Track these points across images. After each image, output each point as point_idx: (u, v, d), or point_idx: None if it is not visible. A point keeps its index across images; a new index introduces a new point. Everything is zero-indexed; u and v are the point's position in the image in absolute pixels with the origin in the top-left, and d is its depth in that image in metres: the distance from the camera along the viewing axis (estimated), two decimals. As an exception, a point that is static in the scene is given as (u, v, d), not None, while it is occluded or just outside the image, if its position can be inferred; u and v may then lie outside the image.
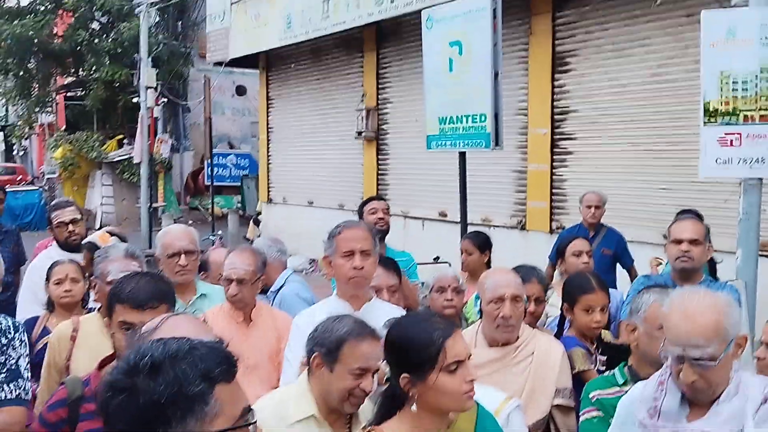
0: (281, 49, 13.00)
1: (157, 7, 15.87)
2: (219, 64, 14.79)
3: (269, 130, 14.73)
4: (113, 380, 1.23)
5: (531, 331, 2.93)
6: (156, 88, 14.78)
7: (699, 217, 4.29)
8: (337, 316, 2.38)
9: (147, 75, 14.27)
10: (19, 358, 2.54)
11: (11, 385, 2.48)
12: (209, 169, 16.51)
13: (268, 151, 14.83)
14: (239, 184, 19.57)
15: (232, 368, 1.27)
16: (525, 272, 3.20)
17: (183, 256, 3.50)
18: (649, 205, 7.55)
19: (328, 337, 2.28)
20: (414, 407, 1.94)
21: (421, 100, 6.83)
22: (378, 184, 11.53)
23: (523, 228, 9.09)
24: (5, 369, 2.49)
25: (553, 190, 8.77)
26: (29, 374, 2.61)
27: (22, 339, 2.61)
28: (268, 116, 14.73)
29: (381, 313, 2.86)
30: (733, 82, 4.41)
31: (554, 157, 8.73)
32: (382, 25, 11.01)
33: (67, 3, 19.30)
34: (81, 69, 21.24)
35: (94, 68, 19.75)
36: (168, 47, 19.33)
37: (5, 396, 2.46)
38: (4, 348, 2.52)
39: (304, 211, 13.21)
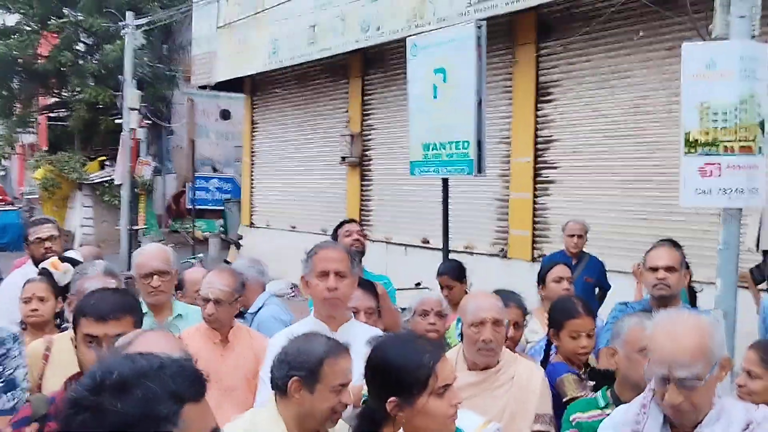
0: (267, 73, 13.05)
1: (142, 29, 15.90)
2: (204, 87, 14.80)
3: (253, 154, 14.72)
4: (77, 397, 1.18)
5: (511, 356, 2.91)
6: (139, 110, 14.71)
7: (676, 245, 4.32)
8: (304, 335, 2.34)
9: (130, 96, 14.23)
10: (16, 368, 2.51)
11: (8, 395, 2.45)
12: (191, 192, 16.44)
13: (251, 175, 14.80)
14: (222, 208, 19.48)
15: (202, 387, 1.24)
16: (504, 297, 3.18)
17: (156, 276, 3.44)
18: (629, 234, 7.59)
19: (306, 359, 2.24)
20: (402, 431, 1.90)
21: (406, 126, 6.87)
22: (361, 210, 11.52)
23: (504, 256, 9.10)
24: (2, 379, 2.46)
25: (536, 219, 8.81)
26: (27, 384, 2.57)
27: (21, 350, 2.58)
28: (252, 140, 14.73)
29: (359, 334, 2.83)
30: (713, 113, 4.45)
31: (536, 185, 8.78)
32: (367, 52, 11.09)
33: (52, 24, 19.27)
34: (64, 90, 21.14)
35: (77, 89, 19.66)
36: (153, 70, 19.30)
37: (2, 405, 2.42)
38: (2, 358, 2.48)
39: (286, 236, 13.16)
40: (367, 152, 11.52)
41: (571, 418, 2.60)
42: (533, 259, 8.65)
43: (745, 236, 5.12)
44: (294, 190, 13.17)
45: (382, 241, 10.95)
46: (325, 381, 2.20)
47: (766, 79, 4.47)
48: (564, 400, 2.88)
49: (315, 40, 11.22)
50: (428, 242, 10.07)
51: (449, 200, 6.60)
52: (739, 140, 4.41)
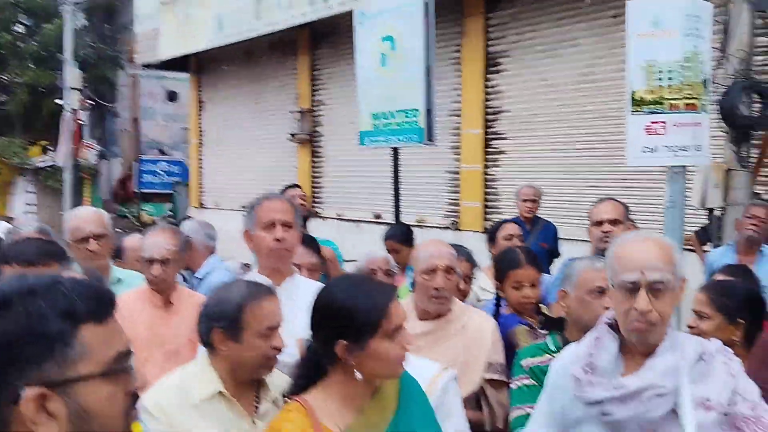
0: (212, 51, 12.76)
1: (82, 7, 15.40)
2: (148, 66, 14.43)
3: (201, 134, 14.44)
4: None
5: (463, 306, 2.87)
6: (81, 90, 14.27)
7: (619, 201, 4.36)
8: (223, 285, 2.26)
9: (71, 75, 13.78)
10: None
11: None
12: (138, 175, 16.07)
13: (199, 156, 14.52)
14: (171, 191, 19.10)
15: (105, 307, 1.13)
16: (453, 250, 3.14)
17: (92, 240, 3.30)
18: (579, 203, 7.64)
19: (225, 309, 2.15)
20: (358, 375, 1.82)
21: (355, 102, 6.77)
22: (312, 187, 11.40)
23: (456, 228, 9.10)
24: None
25: (486, 190, 8.82)
26: None
27: None
28: (199, 120, 14.44)
29: (303, 288, 2.76)
30: (659, 72, 4.47)
31: (487, 157, 8.78)
32: (315, 27, 10.92)
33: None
34: (3, 73, 20.43)
35: (17, 72, 19.02)
36: (95, 51, 18.77)
37: None
38: None
39: (236, 216, 12.91)
40: (317, 128, 11.38)
41: (523, 364, 2.58)
42: (485, 230, 8.65)
43: (690, 196, 5.18)
44: (243, 169, 12.96)
45: (334, 218, 10.87)
46: (249, 327, 2.12)
47: (710, 38, 4.52)
48: (516, 349, 2.85)
49: (261, 15, 11.01)
50: (380, 217, 10.02)
51: (400, 173, 6.54)
52: (684, 98, 4.44)
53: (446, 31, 8.85)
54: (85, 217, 3.40)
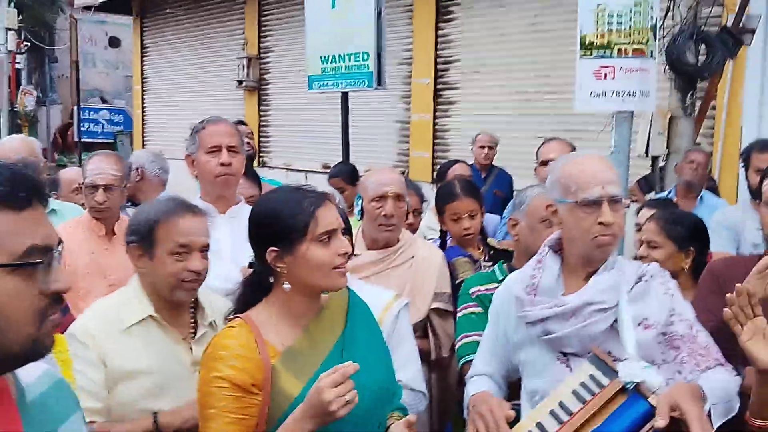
0: (157, -7, 12.35)
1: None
2: (89, 9, 13.87)
3: (144, 80, 14.01)
4: None
5: (411, 237, 2.87)
6: (17, 30, 13.64)
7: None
8: (152, 201, 2.20)
9: (6, 14, 13.16)
10: None
11: None
12: (79, 124, 15.54)
13: (142, 103, 14.12)
14: (113, 140, 18.58)
15: (24, 196, 1.05)
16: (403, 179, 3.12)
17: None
18: (529, 153, 7.67)
19: (140, 224, 2.10)
20: (286, 285, 1.78)
21: (304, 47, 6.63)
22: (260, 136, 11.20)
23: (406, 178, 9.07)
24: None
25: (436, 140, 8.81)
26: None
27: None
28: (142, 66, 13.99)
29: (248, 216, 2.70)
30: (609, 16, 4.48)
31: (437, 107, 8.75)
32: (264, -30, 10.65)
33: None
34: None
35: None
36: (32, -9, 17.94)
37: None
38: None
39: (180, 165, 12.61)
40: (265, 76, 11.15)
41: (470, 291, 2.59)
42: (433, 181, 8.66)
43: (635, 143, 5.25)
44: (189, 117, 12.56)
45: (282, 168, 10.73)
46: (161, 245, 2.07)
47: (659, -17, 4.54)
48: (456, 282, 2.86)
49: (208, -44, 10.64)
50: (329, 167, 9.91)
51: (349, 123, 6.44)
52: (633, 43, 4.46)
53: (398, -22, 8.72)
54: (14, 147, 3.26)
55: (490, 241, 3.20)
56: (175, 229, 2.07)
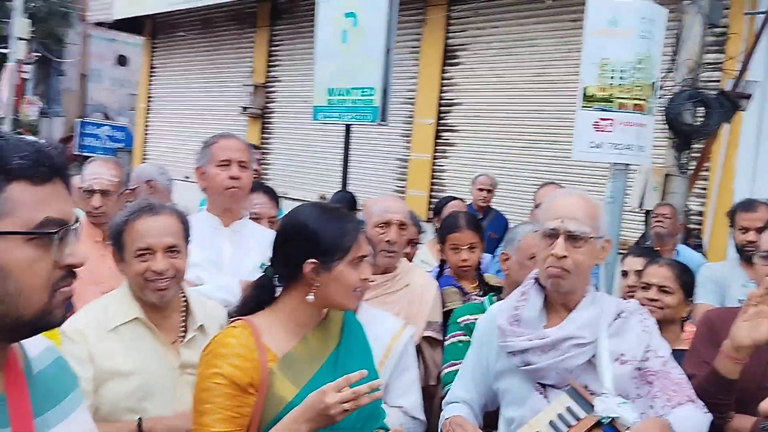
0: (169, 15, 12.53)
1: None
2: (101, 25, 14.05)
3: (149, 99, 14.14)
4: None
5: (408, 265, 2.92)
6: (29, 41, 13.79)
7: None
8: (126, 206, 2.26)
9: (19, 24, 13.32)
10: None
11: None
12: (80, 137, 15.62)
13: (145, 122, 14.22)
14: (113, 156, 18.64)
15: (46, 171, 1.08)
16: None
17: None
18: (524, 198, 7.79)
19: (114, 227, 2.17)
20: (310, 297, 1.84)
21: (311, 80, 6.75)
22: (260, 163, 11.29)
23: None
24: None
25: (433, 180, 8.91)
26: None
27: None
28: (149, 85, 14.13)
29: (252, 232, 2.76)
30: (612, 70, 4.60)
31: (437, 147, 8.87)
32: (276, 1, 10.83)
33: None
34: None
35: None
36: (47, 4, 18.18)
37: None
38: None
39: (179, 186, 12.69)
40: (269, 104, 11.29)
41: (459, 320, 2.64)
42: (428, 220, 8.74)
43: (629, 197, 5.35)
44: (190, 139, 12.72)
45: (279, 196, 10.78)
46: (127, 246, 2.12)
47: (662, 42, 4.67)
48: (444, 310, 2.90)
49: (223, -16, 10.85)
50: (325, 198, 10.00)
51: (349, 158, 6.53)
52: (634, 98, 4.58)
53: (408, 20, 8.89)
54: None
55: (487, 277, 3.25)
56: (135, 231, 2.11)
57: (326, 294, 1.84)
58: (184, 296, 2.22)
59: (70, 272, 1.13)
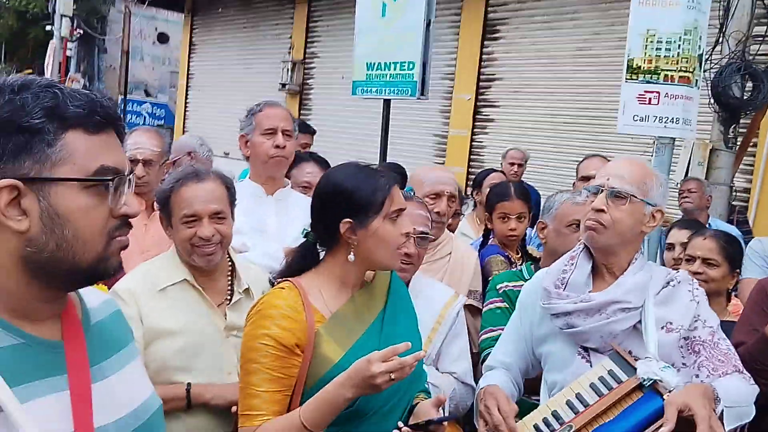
0: (209, -8, 12.60)
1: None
2: (142, 2, 14.18)
3: (189, 76, 14.27)
4: None
5: (449, 234, 2.93)
6: (72, 17, 13.97)
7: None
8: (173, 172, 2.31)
9: (63, 2, 13.50)
10: None
11: None
12: (122, 113, 15.83)
13: (186, 99, 14.36)
14: (153, 133, 18.85)
15: (101, 121, 1.10)
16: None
17: None
18: (565, 176, 7.71)
19: (160, 194, 2.22)
20: (351, 256, 1.85)
21: (349, 56, 6.73)
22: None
23: None
24: None
25: (471, 156, 8.85)
26: None
27: None
28: (189, 62, 14.26)
29: (295, 200, 2.78)
30: (658, 41, 4.51)
31: (475, 123, 8.80)
32: (316, -23, 10.83)
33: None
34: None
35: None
36: (88, -18, 18.38)
37: None
38: None
39: (219, 162, 12.80)
40: (308, 81, 11.31)
41: (497, 287, 2.65)
42: (466, 196, 8.71)
43: (674, 173, 5.26)
44: (230, 116, 12.83)
45: (317, 172, 10.84)
46: (174, 212, 2.17)
47: (708, 13, 4.55)
48: (489, 277, 2.91)
49: (262, -41, 10.86)
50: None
51: (388, 134, 6.51)
52: (680, 70, 4.49)
53: (448, -7, 8.82)
54: None
55: (530, 249, 3.24)
56: (181, 197, 2.16)
57: (366, 252, 1.84)
58: (230, 261, 2.26)
59: (125, 222, 1.15)
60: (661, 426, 1.71)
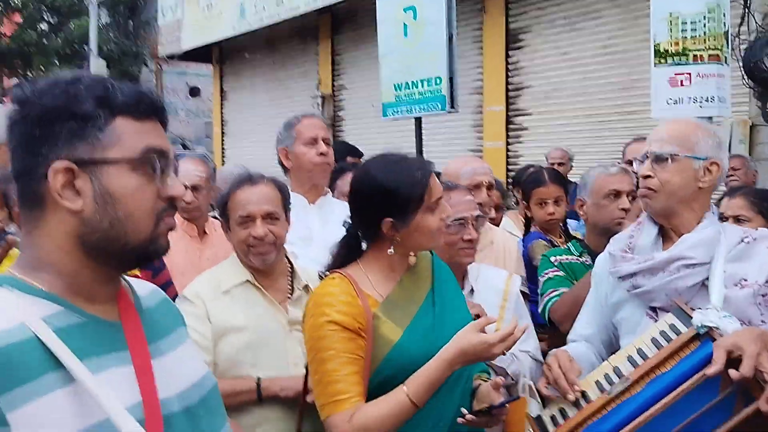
0: (235, 39, 12.89)
1: (106, 3, 15.60)
2: (171, 58, 14.59)
3: (223, 124, 14.59)
4: (14, 94, 1.17)
5: (488, 224, 2.95)
6: (106, 81, 14.42)
7: None
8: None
9: (95, 67, 13.99)
10: None
11: None
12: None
13: (222, 146, 14.66)
14: (194, 184, 19.24)
15: (146, 109, 1.18)
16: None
17: None
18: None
19: (219, 200, 2.33)
20: (391, 250, 1.89)
21: (376, 83, 6.83)
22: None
23: None
24: None
25: (509, 167, 8.83)
26: None
27: None
28: (222, 110, 14.59)
29: (336, 207, 2.83)
30: (682, 23, 4.49)
31: (509, 133, 8.80)
32: (336, 11, 11.01)
33: (15, 2, 18.90)
34: (30, 70, 20.76)
35: (42, 69, 19.32)
36: (119, 47, 19.01)
37: None
38: None
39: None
40: (339, 113, 11.46)
41: (552, 260, 2.68)
42: (508, 208, 8.68)
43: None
44: (266, 158, 13.04)
45: (357, 201, 10.93)
46: (232, 215, 2.26)
47: (732, -11, 4.53)
48: (534, 263, 2.92)
49: (283, 1, 11.11)
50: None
51: (422, 154, 6.55)
52: (708, 49, 4.46)
53: (468, 9, 8.90)
54: None
55: (574, 232, 3.25)
56: (237, 200, 2.26)
57: (408, 244, 1.89)
58: (290, 263, 2.34)
59: (171, 205, 1.21)
60: (704, 375, 1.69)
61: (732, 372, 1.60)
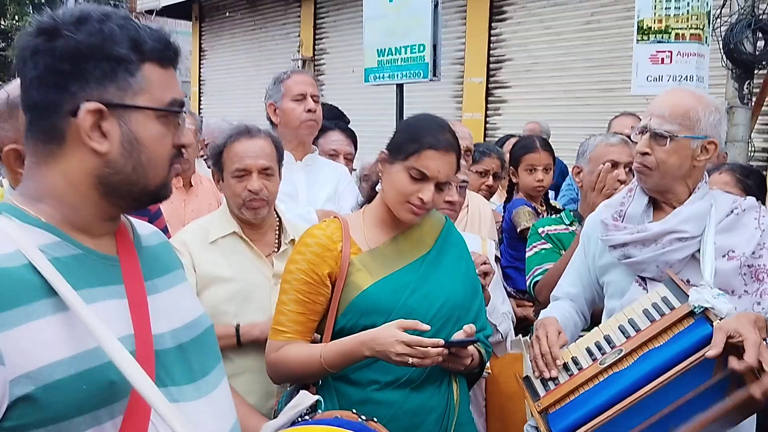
0: (215, -3, 12.71)
1: (85, -48, 15.22)
2: (150, 13, 14.31)
3: (201, 83, 14.40)
4: (39, 21, 1.13)
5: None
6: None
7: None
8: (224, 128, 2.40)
9: (73, 18, 13.67)
10: None
11: None
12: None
13: (199, 105, 14.49)
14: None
15: (170, 54, 1.19)
16: (485, 147, 3.27)
17: None
18: (579, 150, 7.72)
19: (213, 150, 2.32)
20: (379, 186, 1.95)
21: (359, 50, 6.79)
22: (312, 136, 11.43)
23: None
24: None
25: (486, 139, 8.86)
26: None
27: None
28: (200, 69, 14.38)
29: (322, 165, 2.85)
30: (666, 0, 4.53)
31: (488, 105, 8.83)
32: (320, -26, 10.90)
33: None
34: (3, 19, 20.26)
35: (16, 17, 18.87)
36: (96, -1, 18.61)
37: None
38: None
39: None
40: (319, 77, 11.37)
41: (539, 230, 2.70)
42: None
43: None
44: (244, 118, 12.88)
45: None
46: (226, 167, 2.26)
47: (717, -31, 4.58)
48: (518, 230, 2.96)
49: (266, -40, 10.95)
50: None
51: (404, 117, 6.56)
52: (690, 27, 4.51)
53: (453, -21, 8.86)
54: None
55: (554, 202, 3.29)
56: (233, 152, 2.25)
57: (384, 190, 1.93)
58: (278, 217, 2.36)
59: (179, 152, 1.25)
60: (703, 356, 1.72)
61: (735, 361, 1.62)
